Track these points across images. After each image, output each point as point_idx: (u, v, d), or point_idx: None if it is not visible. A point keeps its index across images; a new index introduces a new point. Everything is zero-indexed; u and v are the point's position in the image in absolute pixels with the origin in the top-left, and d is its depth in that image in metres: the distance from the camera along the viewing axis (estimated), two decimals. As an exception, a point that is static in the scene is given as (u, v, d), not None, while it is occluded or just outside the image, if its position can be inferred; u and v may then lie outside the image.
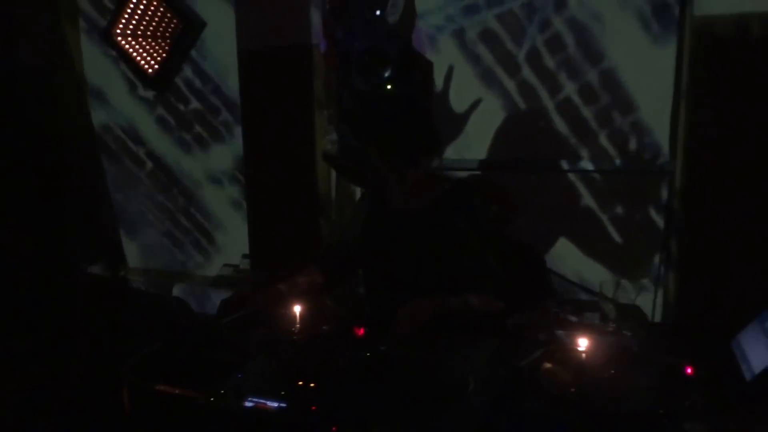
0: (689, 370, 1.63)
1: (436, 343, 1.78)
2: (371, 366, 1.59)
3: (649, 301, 3.06)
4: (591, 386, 1.54)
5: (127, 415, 1.75)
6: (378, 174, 2.25)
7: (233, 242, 4.09)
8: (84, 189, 4.32)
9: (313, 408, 1.36)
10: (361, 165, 3.06)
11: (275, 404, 1.39)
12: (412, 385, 1.48)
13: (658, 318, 3.04)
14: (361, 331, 1.93)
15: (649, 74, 2.96)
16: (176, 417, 1.63)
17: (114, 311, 2.67)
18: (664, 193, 3.01)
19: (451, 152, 3.34)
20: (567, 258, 3.22)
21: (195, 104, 4.04)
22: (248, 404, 1.41)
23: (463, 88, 3.26)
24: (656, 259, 3.03)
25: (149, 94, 4.18)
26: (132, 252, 4.49)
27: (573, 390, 1.52)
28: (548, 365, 1.66)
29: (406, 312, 1.98)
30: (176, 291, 4.06)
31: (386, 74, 2.93)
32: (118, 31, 4.03)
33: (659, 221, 3.04)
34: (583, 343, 1.75)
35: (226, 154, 4.02)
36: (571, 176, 3.17)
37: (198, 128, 4.08)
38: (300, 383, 1.48)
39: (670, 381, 1.60)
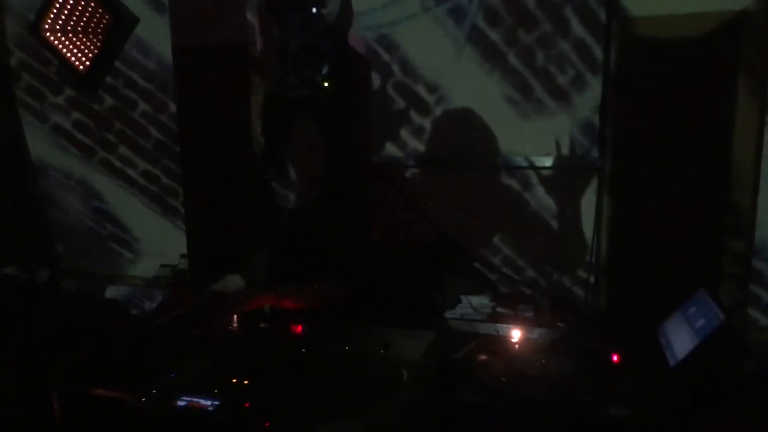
0: (616, 358, 1.69)
1: (371, 337, 1.79)
2: (306, 362, 1.59)
3: (581, 292, 3.15)
4: (522, 376, 1.59)
5: (58, 421, 1.70)
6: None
7: (167, 243, 4.03)
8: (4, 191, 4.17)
9: (246, 405, 1.35)
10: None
11: (208, 402, 1.38)
12: (345, 379, 1.49)
13: (589, 309, 3.12)
14: (299, 329, 1.93)
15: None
16: (109, 420, 1.60)
17: (39, 314, 2.59)
18: (595, 188, 3.10)
19: (388, 150, 3.36)
20: (503, 252, 3.28)
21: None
22: (181, 403, 1.39)
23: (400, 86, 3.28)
24: (587, 252, 3.11)
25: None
26: (69, 255, 4.37)
27: (504, 380, 1.55)
28: (482, 357, 1.70)
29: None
30: (112, 293, 3.96)
31: (322, 72, 2.93)
32: (47, 26, 3.90)
33: (590, 215, 3.12)
34: (516, 335, 1.80)
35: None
36: (506, 172, 3.23)
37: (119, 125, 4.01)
38: (234, 381, 1.47)
39: (598, 368, 1.65)
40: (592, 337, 2.01)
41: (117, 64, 3.84)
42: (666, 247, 2.78)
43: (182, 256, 3.90)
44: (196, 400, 1.39)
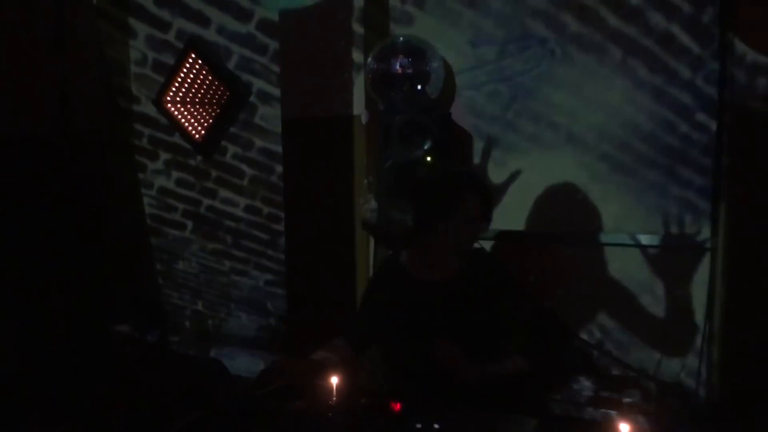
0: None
1: (472, 422, 1.76)
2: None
3: (691, 380, 2.98)
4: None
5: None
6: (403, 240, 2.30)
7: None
8: (127, 246, 4.41)
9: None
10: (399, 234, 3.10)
11: (310, 483, 1.38)
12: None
13: (700, 398, 2.94)
14: (398, 407, 1.91)
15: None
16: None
17: (148, 374, 2.69)
18: (706, 270, 2.96)
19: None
20: (608, 333, 3.17)
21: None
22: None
23: (501, 159, 3.29)
24: (699, 336, 2.95)
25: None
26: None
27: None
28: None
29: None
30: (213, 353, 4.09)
31: (425, 146, 2.99)
32: (168, 98, 4.19)
33: (701, 297, 2.97)
34: (624, 429, 1.71)
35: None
36: (611, 249, 3.15)
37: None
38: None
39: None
40: (705, 428, 1.88)
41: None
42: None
43: (281, 318, 3.99)
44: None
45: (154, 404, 2.13)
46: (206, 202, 4.23)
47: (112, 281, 4.29)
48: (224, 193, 4.15)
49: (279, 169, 3.87)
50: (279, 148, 3.81)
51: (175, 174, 4.31)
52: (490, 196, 2.37)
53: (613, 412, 1.82)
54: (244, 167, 4.05)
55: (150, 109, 4.26)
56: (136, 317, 4.05)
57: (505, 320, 2.23)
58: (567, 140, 3.16)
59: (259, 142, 3.97)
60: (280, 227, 3.89)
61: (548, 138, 3.20)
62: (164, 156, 4.31)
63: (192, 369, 2.99)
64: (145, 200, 4.40)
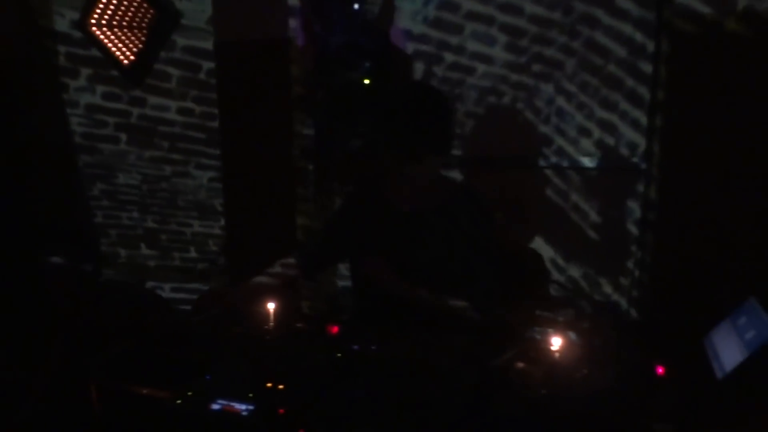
0: (660, 370, 1.63)
1: (405, 341, 1.77)
2: (342, 367, 1.57)
3: (624, 299, 3.08)
4: (562, 387, 1.54)
5: (95, 414, 1.72)
6: (376, 171, 2.23)
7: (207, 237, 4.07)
8: (55, 177, 4.24)
9: (281, 411, 1.34)
10: (348, 161, 3.05)
11: (243, 407, 1.37)
12: (382, 386, 1.47)
13: (634, 315, 3.05)
14: (335, 330, 1.91)
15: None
16: (144, 417, 1.61)
17: (82, 304, 2.63)
18: (641, 190, 3.01)
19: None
20: (543, 255, 3.22)
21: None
22: (215, 407, 1.39)
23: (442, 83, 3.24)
24: (632, 256, 3.03)
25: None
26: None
27: (544, 392, 1.51)
28: (521, 365, 1.66)
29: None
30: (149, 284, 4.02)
31: (363, 68, 2.91)
32: (93, 21, 3.96)
33: (636, 218, 3.04)
34: (556, 343, 1.75)
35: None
36: (548, 173, 3.17)
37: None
38: (269, 385, 1.46)
39: (642, 381, 1.60)
40: (635, 346, 1.94)
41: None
42: (715, 253, 2.69)
43: (221, 250, 3.94)
44: (231, 404, 1.39)
45: (90, 337, 2.09)
46: (137, 111, 4.07)
47: (42, 211, 4.13)
48: (153, 99, 4.00)
49: (206, 65, 3.75)
50: (203, 44, 3.67)
51: (100, 88, 4.13)
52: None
53: (548, 330, 1.85)
54: (170, 69, 3.89)
55: (62, 25, 4.03)
56: (69, 248, 3.94)
57: (481, 256, 2.20)
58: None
59: (182, 41, 3.81)
60: (215, 124, 3.79)
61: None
62: (85, 72, 4.13)
63: (127, 299, 2.94)
64: (74, 119, 4.22)
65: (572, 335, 1.86)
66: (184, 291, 4.01)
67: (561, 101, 3.08)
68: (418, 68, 3.22)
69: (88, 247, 4.24)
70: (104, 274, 4.21)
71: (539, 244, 3.22)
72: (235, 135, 3.56)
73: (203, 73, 3.80)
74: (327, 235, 2.46)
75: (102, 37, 3.97)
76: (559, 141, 3.13)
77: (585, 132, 3.08)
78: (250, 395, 1.42)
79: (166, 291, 4.02)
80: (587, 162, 3.08)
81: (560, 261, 3.21)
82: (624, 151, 3.02)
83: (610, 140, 3.04)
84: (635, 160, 2.99)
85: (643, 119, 2.95)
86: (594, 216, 3.11)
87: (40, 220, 4.07)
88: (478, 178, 3.21)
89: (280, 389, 1.45)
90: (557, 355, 1.70)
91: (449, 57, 3.20)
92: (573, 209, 3.14)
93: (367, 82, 2.90)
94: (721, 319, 1.85)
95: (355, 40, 2.92)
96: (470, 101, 3.21)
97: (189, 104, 3.93)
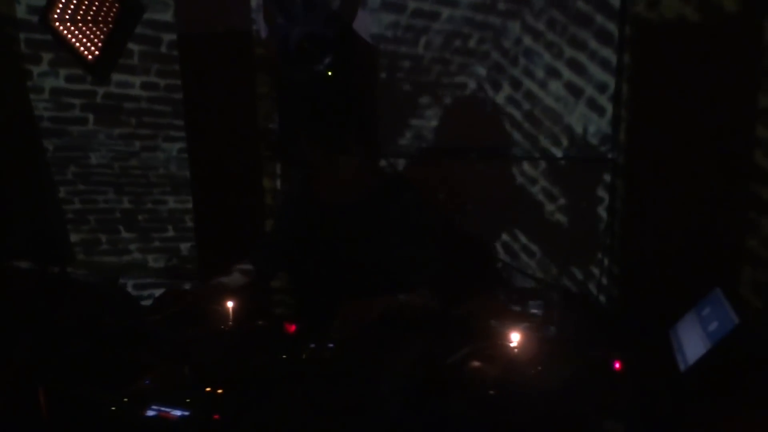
0: (618, 366, 1.60)
1: (361, 342, 1.73)
2: (283, 370, 1.53)
3: (593, 289, 3.05)
4: (514, 386, 1.50)
5: (44, 417, 1.68)
6: (307, 163, 2.19)
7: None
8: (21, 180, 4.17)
9: (216, 417, 1.29)
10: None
11: (178, 413, 1.33)
12: (321, 390, 1.43)
13: (603, 304, 3.03)
14: (293, 328, 1.87)
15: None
16: (87, 423, 1.56)
17: (49, 307, 2.59)
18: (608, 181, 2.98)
19: (398, 139, 3.28)
20: (513, 245, 3.20)
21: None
22: (150, 413, 1.34)
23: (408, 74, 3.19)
24: (602, 245, 3.01)
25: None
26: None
27: (492, 393, 1.47)
28: (475, 364, 1.62)
29: (352, 311, 1.91)
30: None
31: (326, 61, 2.85)
32: (56, 16, 3.88)
33: (604, 208, 3.01)
34: (515, 338, 1.71)
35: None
36: (517, 163, 3.13)
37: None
38: (207, 390, 1.41)
39: (598, 377, 1.57)
40: (596, 340, 1.91)
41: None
42: (682, 244, 2.67)
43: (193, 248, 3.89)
44: (166, 410, 1.34)
45: (55, 337, 2.05)
46: (102, 90, 4.02)
47: (8, 211, 4.07)
48: (117, 76, 3.93)
49: (167, 38, 3.70)
50: (162, 17, 3.62)
51: (63, 71, 4.07)
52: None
53: (507, 323, 1.82)
54: (131, 45, 3.81)
55: (20, 12, 3.96)
56: (36, 249, 3.88)
57: (412, 248, 2.15)
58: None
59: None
60: (180, 95, 3.75)
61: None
62: (47, 56, 4.06)
63: (91, 300, 2.89)
64: (41, 105, 4.16)
65: (530, 330, 1.82)
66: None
67: (528, 41, 3.04)
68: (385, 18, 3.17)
69: (57, 247, 4.17)
70: (75, 275, 4.15)
71: (510, 232, 3.20)
72: (200, 130, 3.51)
73: (164, 45, 3.77)
74: (273, 232, 2.43)
75: (66, 32, 3.89)
76: (529, 128, 3.09)
77: (554, 73, 3.02)
78: (188, 400, 1.37)
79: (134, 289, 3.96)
80: (557, 152, 3.04)
81: (530, 254, 3.18)
82: (593, 140, 2.99)
83: (579, 81, 2.99)
84: (603, 149, 2.95)
85: (613, 58, 2.89)
86: (564, 204, 3.08)
87: (6, 220, 4.01)
88: (445, 168, 3.18)
89: (219, 394, 1.40)
90: (515, 351, 1.66)
91: (412, 4, 3.16)
92: (544, 198, 3.11)
93: (329, 74, 2.84)
94: (687, 311, 1.83)
95: (317, 32, 2.85)
96: (436, 47, 3.15)
97: (153, 78, 3.91)
